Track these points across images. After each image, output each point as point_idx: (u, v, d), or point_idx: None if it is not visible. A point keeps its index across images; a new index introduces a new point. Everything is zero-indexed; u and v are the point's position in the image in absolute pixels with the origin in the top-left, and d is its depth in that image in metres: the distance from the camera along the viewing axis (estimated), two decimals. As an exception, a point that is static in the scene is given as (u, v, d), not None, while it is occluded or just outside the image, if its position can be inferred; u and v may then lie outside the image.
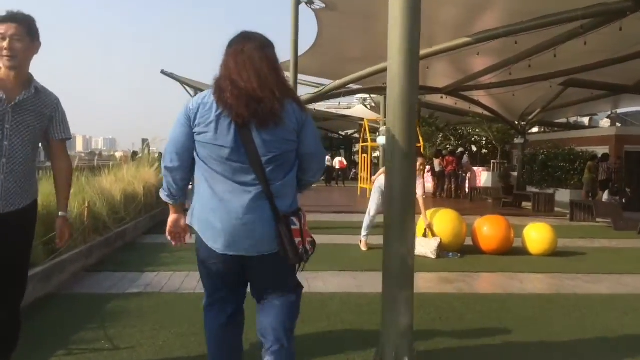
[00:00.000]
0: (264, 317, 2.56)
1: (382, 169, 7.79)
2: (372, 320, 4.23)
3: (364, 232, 7.80)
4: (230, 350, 2.67)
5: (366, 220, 7.85)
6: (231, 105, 2.31)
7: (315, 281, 5.66)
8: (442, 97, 18.09)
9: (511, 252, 7.48)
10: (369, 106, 39.04)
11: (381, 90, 16.33)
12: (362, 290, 5.34)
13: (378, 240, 7.72)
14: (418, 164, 6.69)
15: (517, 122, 19.88)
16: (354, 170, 35.69)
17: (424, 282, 5.82)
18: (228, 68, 2.40)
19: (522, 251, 7.60)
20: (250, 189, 2.36)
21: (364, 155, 19.33)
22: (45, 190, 6.24)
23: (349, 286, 5.53)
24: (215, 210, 2.38)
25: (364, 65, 12.04)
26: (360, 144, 20.32)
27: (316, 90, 12.51)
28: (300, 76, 14.63)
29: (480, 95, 17.92)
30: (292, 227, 2.39)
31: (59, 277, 5.22)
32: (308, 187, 2.63)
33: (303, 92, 14.45)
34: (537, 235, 7.44)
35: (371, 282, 5.65)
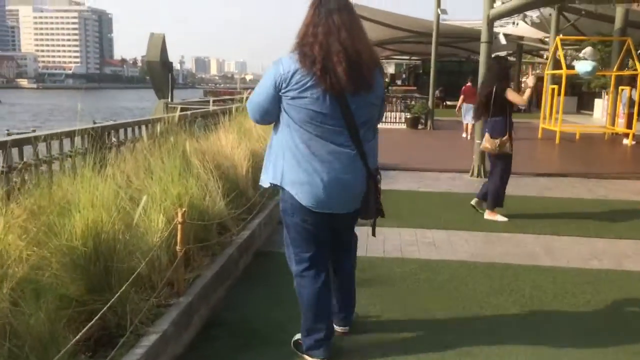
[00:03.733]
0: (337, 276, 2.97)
1: None
2: None
3: None
4: (329, 312, 2.85)
5: None
6: (327, 74, 2.38)
7: None
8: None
9: None
10: (529, 22, 32.73)
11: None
12: None
13: None
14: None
15: None
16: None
17: None
18: (317, 33, 2.42)
19: None
20: (347, 150, 2.51)
21: (552, 86, 14.70)
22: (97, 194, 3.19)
23: None
24: (316, 171, 2.49)
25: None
26: (546, 71, 15.60)
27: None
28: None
29: None
30: (378, 184, 2.69)
31: None
32: None
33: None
34: None
35: None
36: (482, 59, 8.65)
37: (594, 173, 9.24)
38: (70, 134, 4.31)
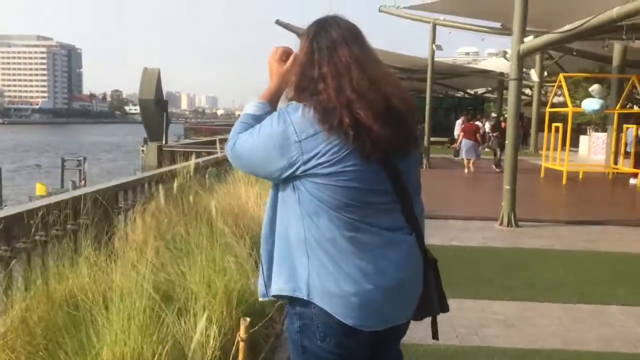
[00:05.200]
0: None
1: None
2: None
3: None
4: None
5: None
6: (364, 132, 1.62)
7: None
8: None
9: None
10: (509, 58, 32.88)
11: None
12: None
13: None
14: None
15: None
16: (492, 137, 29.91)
17: None
18: (325, 75, 1.70)
19: None
20: (402, 235, 1.76)
21: (556, 124, 14.17)
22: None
23: None
24: (366, 274, 1.69)
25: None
26: (548, 109, 15.12)
27: (565, 29, 7.64)
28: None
29: None
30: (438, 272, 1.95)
31: None
32: None
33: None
34: None
35: None
36: (510, 97, 7.97)
37: (631, 220, 8.54)
38: (76, 202, 3.22)
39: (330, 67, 1.72)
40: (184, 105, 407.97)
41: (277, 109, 1.90)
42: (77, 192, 3.36)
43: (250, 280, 3.19)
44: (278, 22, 23.69)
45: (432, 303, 1.92)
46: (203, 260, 2.76)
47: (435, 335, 1.96)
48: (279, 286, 1.77)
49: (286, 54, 1.90)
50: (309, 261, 1.72)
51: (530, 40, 7.87)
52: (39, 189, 25.13)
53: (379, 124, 1.65)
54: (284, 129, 1.68)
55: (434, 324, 1.97)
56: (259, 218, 4.55)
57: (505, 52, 35.72)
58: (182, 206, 3.80)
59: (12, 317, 2.19)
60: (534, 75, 9.78)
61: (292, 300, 1.75)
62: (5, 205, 24.00)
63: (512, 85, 7.79)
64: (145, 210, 3.74)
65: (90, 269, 2.61)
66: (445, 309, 1.98)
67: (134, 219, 3.59)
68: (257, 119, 1.82)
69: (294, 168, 1.67)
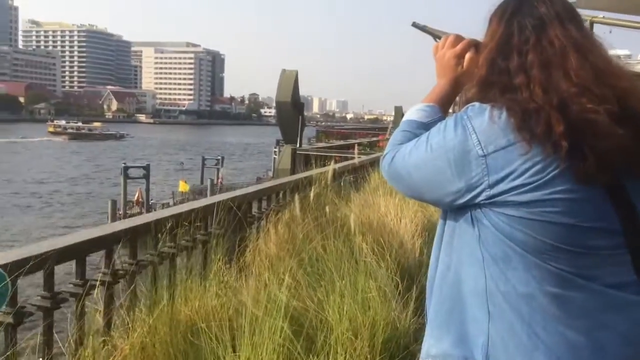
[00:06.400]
0: None
1: None
2: None
3: None
4: None
5: None
6: (580, 146, 1.14)
7: None
8: None
9: None
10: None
11: None
12: None
13: None
14: None
15: None
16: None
17: None
18: (527, 63, 1.24)
19: None
20: (632, 296, 1.20)
21: None
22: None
23: None
24: (571, 345, 1.18)
25: None
26: None
27: None
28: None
29: None
30: None
31: None
32: None
33: None
34: None
35: None
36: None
37: None
38: (209, 210, 2.97)
39: (537, 53, 1.26)
40: (315, 108, 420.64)
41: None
42: (210, 200, 3.13)
43: (394, 313, 2.74)
44: (415, 25, 23.09)
45: None
46: (343, 287, 2.36)
47: None
48: (443, 349, 1.34)
49: (466, 44, 1.48)
50: (490, 321, 1.26)
51: None
52: (182, 186, 27.22)
53: (611, 131, 1.15)
54: (463, 139, 1.24)
55: None
56: (398, 234, 4.10)
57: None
58: (318, 217, 3.44)
59: (132, 342, 1.94)
60: None
61: None
62: (152, 201, 26.09)
63: None
64: (279, 220, 3.45)
65: (219, 287, 2.31)
66: None
67: (266, 229, 3.31)
68: (425, 127, 1.40)
69: (475, 193, 1.23)
